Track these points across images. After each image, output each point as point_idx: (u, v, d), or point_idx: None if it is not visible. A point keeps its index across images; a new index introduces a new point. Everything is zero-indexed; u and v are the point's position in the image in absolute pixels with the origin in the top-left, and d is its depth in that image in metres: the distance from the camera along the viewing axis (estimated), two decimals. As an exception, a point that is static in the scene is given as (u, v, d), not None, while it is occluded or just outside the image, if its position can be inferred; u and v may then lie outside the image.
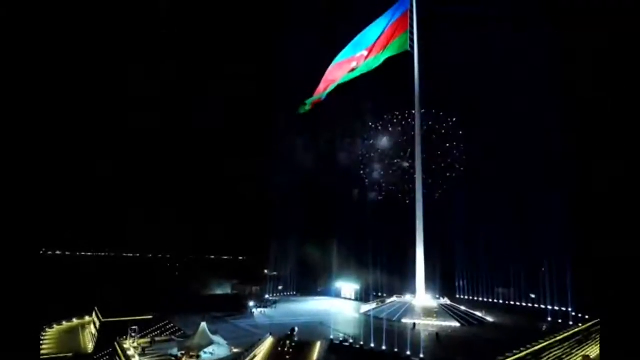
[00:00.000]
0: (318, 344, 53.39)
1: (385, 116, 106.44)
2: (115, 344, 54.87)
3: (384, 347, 52.42)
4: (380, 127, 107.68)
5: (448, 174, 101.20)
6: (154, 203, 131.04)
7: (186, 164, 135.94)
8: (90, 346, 68.30)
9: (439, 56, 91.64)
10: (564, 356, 55.69)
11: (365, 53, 73.45)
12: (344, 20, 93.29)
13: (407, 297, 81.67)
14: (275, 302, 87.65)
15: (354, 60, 73.66)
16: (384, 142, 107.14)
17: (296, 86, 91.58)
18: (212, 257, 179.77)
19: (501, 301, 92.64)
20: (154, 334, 61.66)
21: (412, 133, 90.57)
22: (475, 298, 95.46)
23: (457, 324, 69.01)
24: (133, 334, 55.45)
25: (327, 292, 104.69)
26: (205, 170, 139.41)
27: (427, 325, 68.02)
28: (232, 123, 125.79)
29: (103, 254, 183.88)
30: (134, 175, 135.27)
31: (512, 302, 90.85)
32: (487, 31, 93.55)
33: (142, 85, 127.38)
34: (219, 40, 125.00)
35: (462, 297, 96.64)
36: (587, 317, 71.29)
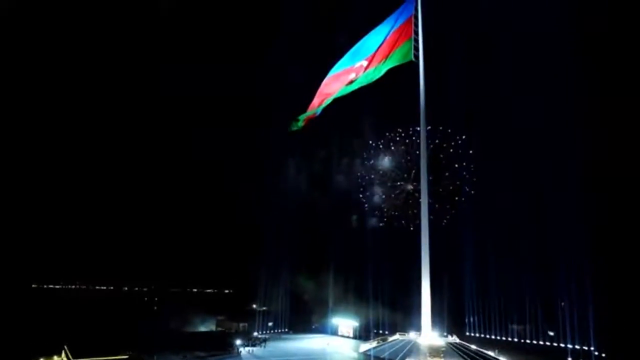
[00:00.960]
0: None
1: (387, 134, 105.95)
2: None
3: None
4: (381, 146, 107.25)
5: (457, 198, 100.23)
6: (129, 229, 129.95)
7: (165, 185, 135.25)
8: (58, 390, 67.06)
9: (448, 67, 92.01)
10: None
11: (364, 63, 73.03)
12: (341, 28, 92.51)
13: (411, 335, 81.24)
14: (264, 340, 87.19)
15: (352, 71, 73.04)
16: (385, 162, 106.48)
17: (288, 100, 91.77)
18: (195, 290, 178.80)
19: (516, 339, 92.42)
20: (129, 376, 60.89)
21: (417, 152, 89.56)
22: (487, 336, 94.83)
23: (467, 365, 68.51)
24: (106, 376, 54.73)
25: (322, 329, 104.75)
26: (187, 193, 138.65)
27: (434, 366, 67.45)
28: (216, 140, 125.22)
29: (73, 286, 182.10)
30: (107, 197, 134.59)
31: (527, 340, 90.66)
32: (502, 40, 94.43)
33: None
34: (207, 45, 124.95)
35: (472, 334, 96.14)
36: (610, 356, 71.00)
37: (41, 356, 76.38)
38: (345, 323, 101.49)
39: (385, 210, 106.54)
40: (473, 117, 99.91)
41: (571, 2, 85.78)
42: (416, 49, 79.29)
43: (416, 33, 78.00)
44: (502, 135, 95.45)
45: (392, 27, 76.17)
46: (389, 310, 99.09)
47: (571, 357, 74.58)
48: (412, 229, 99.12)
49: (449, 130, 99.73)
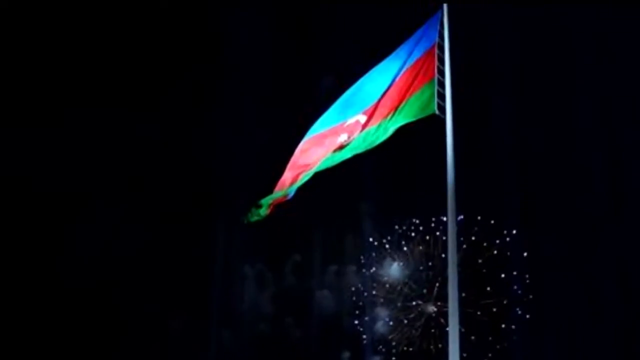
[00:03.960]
0: None
1: (397, 227, 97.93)
2: None
3: None
4: (387, 246, 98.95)
5: (503, 325, 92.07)
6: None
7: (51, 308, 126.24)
8: None
9: (489, 123, 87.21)
10: None
11: (362, 118, 62.12)
12: (327, 61, 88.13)
13: None
14: None
15: (343, 130, 62.00)
16: (393, 270, 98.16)
17: (245, 179, 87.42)
18: None
19: None
20: None
21: (443, 255, 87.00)
22: None
23: None
24: None
25: None
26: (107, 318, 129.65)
27: None
28: (147, 247, 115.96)
29: None
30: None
31: None
32: (573, 80, 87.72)
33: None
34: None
35: None
36: None
37: None
38: None
39: (393, 343, 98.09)
40: (530, 200, 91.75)
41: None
42: (441, 96, 68.98)
43: (441, 72, 68.12)
44: (571, 228, 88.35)
45: (406, 63, 65.18)
46: None
47: None
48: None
49: (492, 222, 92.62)
